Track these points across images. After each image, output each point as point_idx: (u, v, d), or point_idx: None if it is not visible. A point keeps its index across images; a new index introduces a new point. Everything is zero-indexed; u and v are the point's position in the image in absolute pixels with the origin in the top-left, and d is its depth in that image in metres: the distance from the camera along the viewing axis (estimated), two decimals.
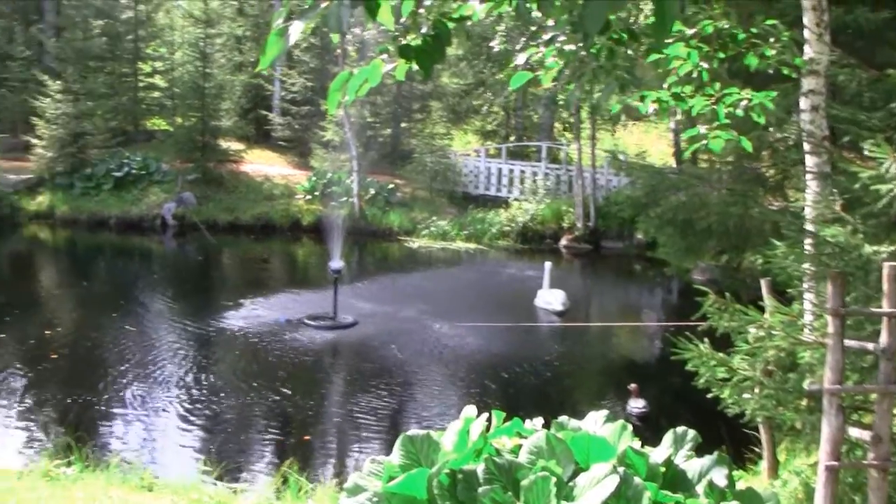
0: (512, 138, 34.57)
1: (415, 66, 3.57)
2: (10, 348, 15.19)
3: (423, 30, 3.50)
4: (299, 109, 32.59)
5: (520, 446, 5.29)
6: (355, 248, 25.07)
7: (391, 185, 28.81)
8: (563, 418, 5.72)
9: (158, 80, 36.57)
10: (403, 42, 3.52)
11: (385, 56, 3.67)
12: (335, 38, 3.14)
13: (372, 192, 28.09)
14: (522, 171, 29.25)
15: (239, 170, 30.18)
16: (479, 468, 4.97)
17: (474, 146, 34.11)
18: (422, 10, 3.50)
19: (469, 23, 3.93)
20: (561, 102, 31.54)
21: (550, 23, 5.11)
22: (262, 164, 31.26)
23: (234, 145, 30.92)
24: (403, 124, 33.74)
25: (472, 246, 26.16)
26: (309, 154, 30.76)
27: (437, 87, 33.40)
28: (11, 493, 7.37)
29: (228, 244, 26.21)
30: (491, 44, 26.50)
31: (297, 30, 2.79)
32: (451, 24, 3.55)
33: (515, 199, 28.03)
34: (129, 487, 8.17)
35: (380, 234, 27.09)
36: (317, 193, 28.06)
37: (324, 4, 2.73)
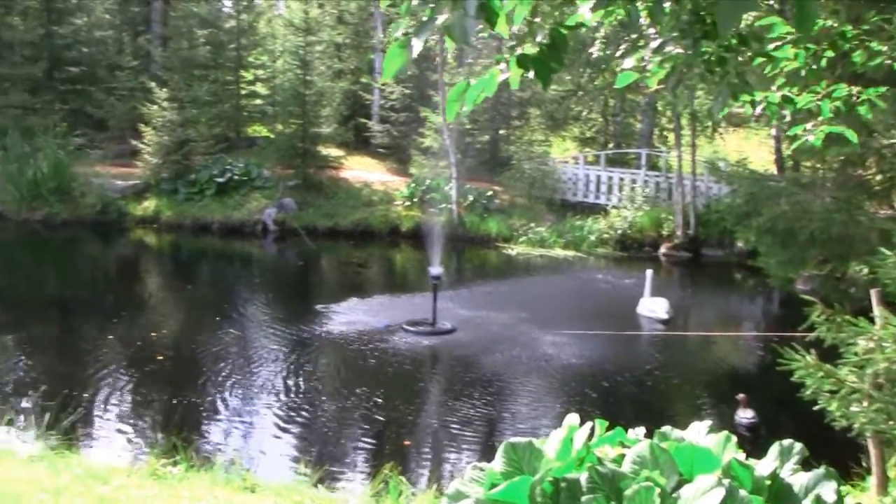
0: (610, 145, 34.36)
1: (529, 75, 3.56)
2: (119, 349, 15.59)
3: (539, 38, 3.50)
4: (398, 117, 32.86)
5: (623, 456, 5.25)
6: (453, 255, 25.15)
7: (489, 192, 28.81)
8: (665, 428, 5.65)
9: (260, 88, 37.28)
10: (520, 51, 3.52)
11: (502, 65, 3.67)
12: (451, 45, 3.16)
13: (470, 198, 28.15)
14: (621, 179, 28.98)
15: (338, 176, 30.52)
16: (583, 477, 4.94)
17: (573, 153, 33.93)
18: (537, 19, 3.49)
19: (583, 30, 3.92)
20: (660, 108, 31.33)
21: (651, 31, 5.06)
22: (361, 171, 31.57)
23: (334, 152, 31.27)
24: (502, 131, 33.75)
25: (570, 253, 26.01)
26: (408, 161, 30.97)
27: (536, 93, 33.31)
28: (122, 489, 7.57)
29: (328, 249, 26.51)
30: (590, 50, 26.38)
31: (419, 41, 2.82)
32: (565, 32, 3.54)
33: (614, 207, 27.78)
34: (233, 488, 8.31)
35: (478, 241, 27.08)
36: (415, 200, 28.22)
37: (443, 16, 2.75)
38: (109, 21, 38.24)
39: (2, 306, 19.29)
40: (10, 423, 11.10)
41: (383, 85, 33.75)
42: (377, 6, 35.90)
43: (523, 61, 3.53)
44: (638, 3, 3.76)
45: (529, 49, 3.53)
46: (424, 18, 2.84)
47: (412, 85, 32.87)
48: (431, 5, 2.86)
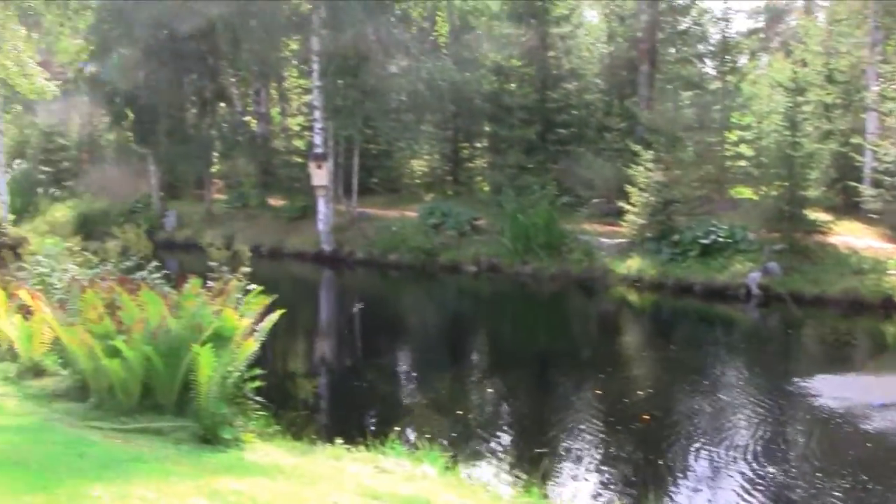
0: None
1: None
2: (606, 405, 16.10)
3: None
4: (893, 181, 31.26)
5: None
6: None
7: None
8: None
9: (744, 149, 37.16)
10: None
11: None
12: None
13: None
14: None
15: (825, 241, 29.44)
16: None
17: None
18: None
19: None
20: None
21: None
22: (849, 237, 30.24)
23: (822, 216, 30.33)
24: None
25: None
26: None
27: None
28: None
29: (812, 317, 25.50)
30: None
31: None
32: None
33: None
34: None
35: None
36: None
37: None
38: (598, 85, 40.16)
39: (492, 353, 20.79)
40: (498, 466, 11.93)
41: (875, 146, 32.36)
42: (871, 63, 34.65)
43: None
44: None
45: None
46: None
47: None
48: None
